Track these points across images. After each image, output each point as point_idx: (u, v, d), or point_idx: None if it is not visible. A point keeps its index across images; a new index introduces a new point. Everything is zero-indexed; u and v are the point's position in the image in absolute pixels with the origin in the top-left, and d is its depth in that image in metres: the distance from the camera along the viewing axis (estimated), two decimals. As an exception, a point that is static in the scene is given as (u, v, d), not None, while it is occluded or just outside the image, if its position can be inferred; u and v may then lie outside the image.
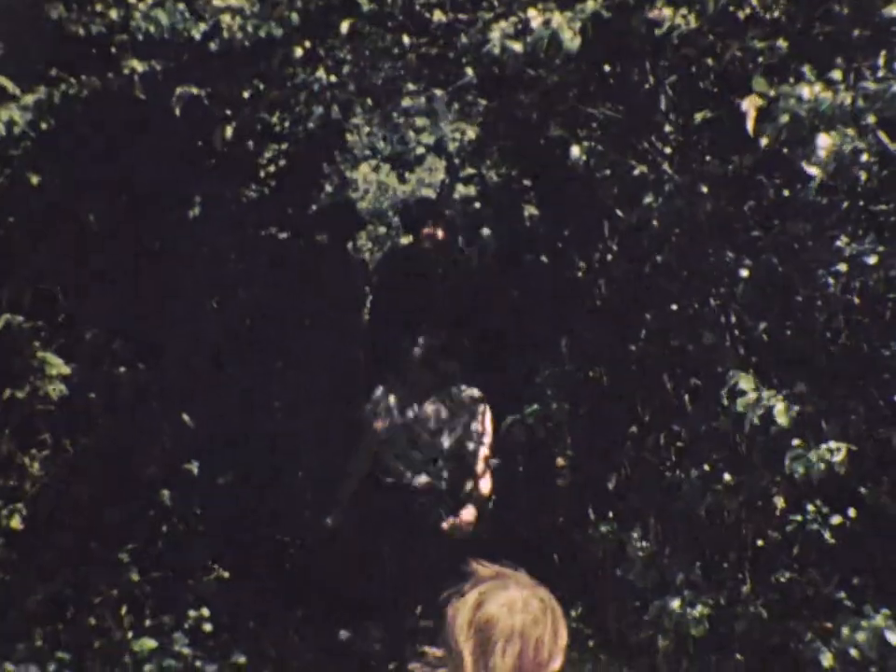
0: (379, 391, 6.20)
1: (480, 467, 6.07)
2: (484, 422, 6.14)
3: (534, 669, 2.43)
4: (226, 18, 4.52)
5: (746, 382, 4.13)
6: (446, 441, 6.11)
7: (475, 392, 6.16)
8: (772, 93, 3.67)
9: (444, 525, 5.94)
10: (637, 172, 4.60)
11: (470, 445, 6.08)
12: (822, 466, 3.93)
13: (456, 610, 2.44)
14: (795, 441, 4.02)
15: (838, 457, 3.93)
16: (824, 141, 3.59)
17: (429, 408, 6.12)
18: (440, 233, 6.86)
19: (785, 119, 3.60)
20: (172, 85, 4.82)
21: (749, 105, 3.68)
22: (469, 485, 6.06)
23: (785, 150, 3.83)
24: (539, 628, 2.44)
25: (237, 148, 5.90)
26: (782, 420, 4.01)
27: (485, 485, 6.09)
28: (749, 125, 3.69)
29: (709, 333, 4.84)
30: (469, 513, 6.00)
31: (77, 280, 5.77)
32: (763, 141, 3.73)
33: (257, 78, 5.11)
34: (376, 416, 6.10)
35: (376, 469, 6.13)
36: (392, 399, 6.15)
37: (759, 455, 4.58)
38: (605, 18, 3.88)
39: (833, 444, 3.95)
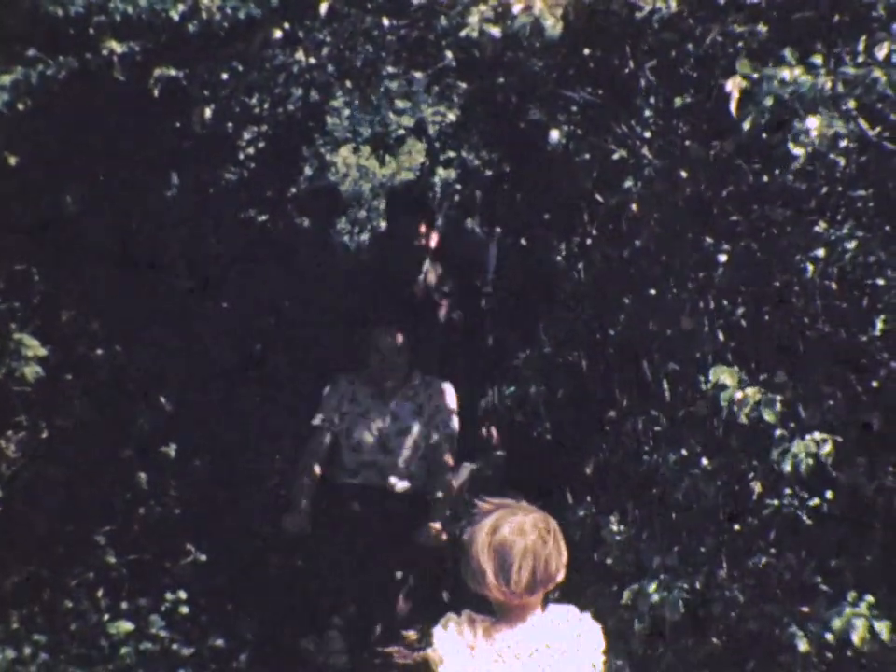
0: (342, 383, 6.08)
1: (449, 461, 5.99)
2: (450, 411, 6.03)
3: (545, 581, 2.95)
4: (204, -1, 4.50)
5: (728, 376, 4.13)
6: (416, 441, 5.99)
7: (441, 383, 6.08)
8: (756, 76, 3.67)
9: (425, 534, 5.78)
10: (616, 156, 4.60)
11: (438, 440, 6.00)
12: (811, 461, 3.95)
13: (474, 536, 2.93)
14: (778, 432, 4.02)
15: (825, 450, 3.95)
16: (814, 123, 3.59)
17: (397, 404, 6.01)
18: (432, 242, 6.74)
19: (769, 101, 3.60)
20: (150, 66, 4.79)
21: (733, 87, 3.67)
22: (440, 487, 5.93)
23: (765, 135, 3.83)
24: (547, 546, 2.94)
25: (216, 130, 5.88)
26: (769, 416, 4.03)
27: (456, 482, 6.01)
28: (733, 106, 3.69)
29: (688, 318, 4.84)
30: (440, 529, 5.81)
31: (53, 261, 5.75)
32: (746, 124, 3.73)
33: (235, 60, 5.08)
34: (332, 411, 5.99)
35: (338, 471, 6.00)
36: (354, 391, 6.04)
37: (737, 439, 4.58)
38: (586, 2, 3.87)
39: (818, 436, 3.96)
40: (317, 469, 5.92)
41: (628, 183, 4.58)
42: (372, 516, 5.87)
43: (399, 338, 5.97)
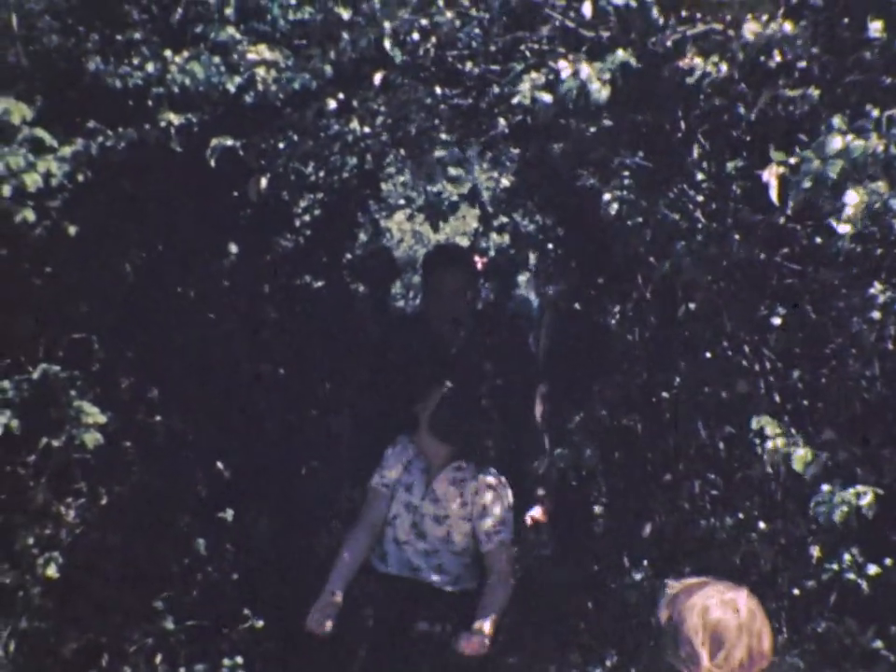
0: (404, 443, 5.29)
1: (506, 569, 5.15)
2: (504, 513, 5.19)
3: (760, 658, 2.89)
4: (260, 70, 4.57)
5: (771, 426, 4.11)
6: (450, 532, 5.20)
7: (491, 476, 5.23)
8: (793, 161, 3.65)
9: (461, 644, 4.88)
10: (669, 220, 4.61)
11: (492, 550, 5.14)
12: (846, 508, 3.89)
13: (683, 617, 2.90)
14: (825, 487, 3.98)
15: (865, 501, 3.89)
16: (852, 198, 3.56)
17: (440, 485, 5.20)
18: (474, 299, 6.27)
19: (808, 184, 3.57)
20: (207, 137, 4.87)
21: (770, 175, 3.66)
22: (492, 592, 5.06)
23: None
24: (757, 622, 2.89)
25: (272, 199, 5.94)
26: (798, 466, 3.99)
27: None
28: (773, 195, 3.67)
29: (743, 381, 4.83)
30: (483, 639, 4.90)
31: (112, 329, 5.82)
32: (790, 209, 3.72)
33: (290, 129, 5.15)
34: (394, 472, 5.24)
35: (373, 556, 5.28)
36: (410, 458, 5.24)
37: (792, 502, 4.56)
38: (634, 67, 3.90)
39: (860, 488, 3.91)
40: (367, 548, 5.19)
41: (680, 246, 4.58)
42: (398, 607, 5.22)
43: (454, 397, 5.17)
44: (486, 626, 4.90)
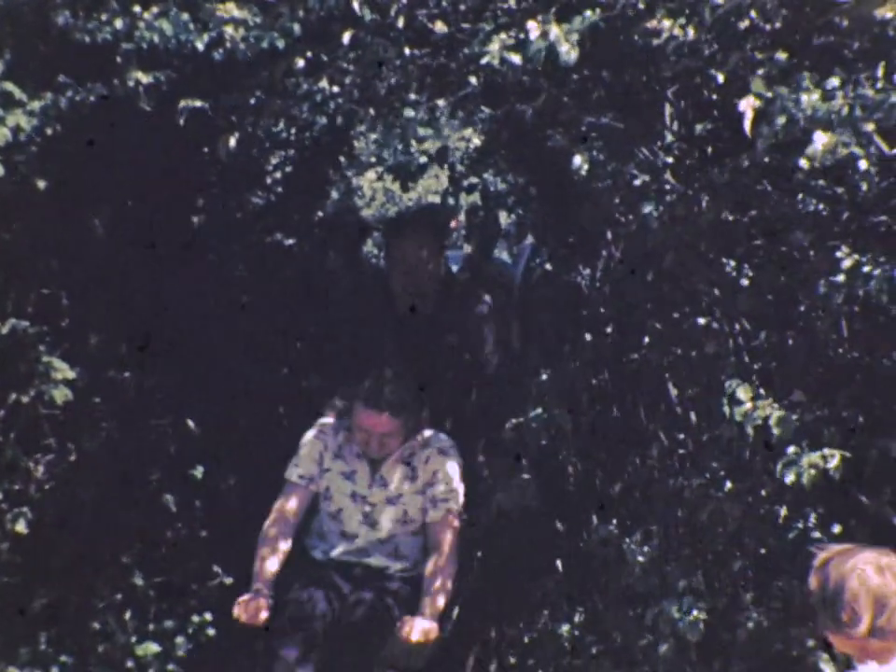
0: (328, 431, 5.05)
1: (448, 541, 4.91)
2: (451, 479, 4.98)
3: None
4: (229, 28, 4.55)
5: (743, 391, 4.14)
6: (405, 512, 4.98)
7: (441, 441, 5.04)
8: (769, 95, 3.68)
9: (405, 631, 4.65)
10: (638, 182, 4.62)
11: (436, 517, 4.94)
12: (813, 472, 3.92)
13: (842, 584, 2.96)
14: (791, 449, 4.01)
15: (832, 464, 3.92)
16: (821, 137, 3.60)
17: (388, 467, 4.97)
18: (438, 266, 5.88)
19: (782, 120, 3.61)
20: (175, 96, 4.84)
21: (747, 106, 3.69)
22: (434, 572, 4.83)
23: (780, 158, 3.85)
24: None
25: (242, 157, 5.93)
26: (777, 430, 4.02)
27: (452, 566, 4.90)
28: (747, 125, 3.70)
29: (711, 342, 4.85)
30: (429, 625, 4.69)
31: (82, 285, 5.80)
32: (760, 143, 3.74)
33: (260, 89, 5.13)
34: (313, 463, 4.98)
35: (314, 542, 5.08)
36: (340, 444, 5.00)
37: (760, 463, 4.59)
38: (602, 29, 3.89)
39: (827, 451, 3.94)
40: (286, 543, 4.89)
41: (649, 208, 4.59)
42: (357, 594, 4.89)
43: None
44: (432, 611, 4.71)
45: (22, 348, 5.35)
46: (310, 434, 5.02)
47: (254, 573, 4.83)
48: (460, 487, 5.00)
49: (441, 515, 4.94)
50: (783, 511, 4.69)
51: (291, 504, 4.94)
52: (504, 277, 8.26)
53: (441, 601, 4.75)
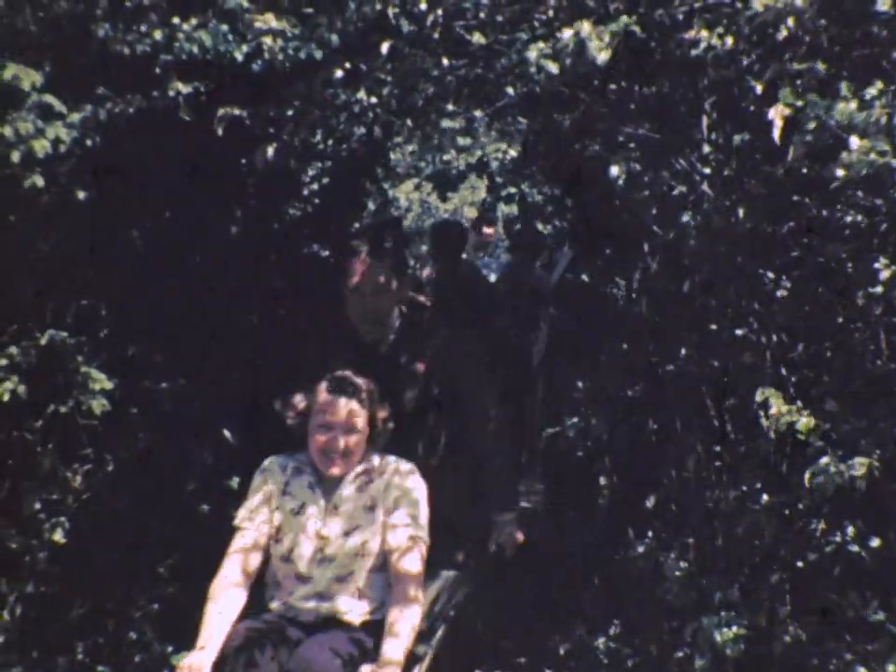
0: (274, 469, 4.41)
1: (413, 573, 4.20)
2: (414, 504, 4.31)
3: None
4: (267, 39, 4.58)
5: (775, 398, 4.11)
6: (366, 546, 4.27)
7: (401, 466, 4.38)
8: (799, 103, 3.66)
9: None
10: (675, 192, 4.61)
11: (397, 548, 4.22)
12: (837, 479, 3.89)
13: None
14: (823, 460, 3.98)
15: (858, 472, 3.88)
16: (855, 143, 3.56)
17: (342, 497, 4.31)
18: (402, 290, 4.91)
19: (812, 125, 3.59)
20: (214, 106, 4.87)
21: (776, 115, 3.67)
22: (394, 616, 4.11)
23: (817, 168, 3.83)
24: None
25: (279, 167, 5.94)
26: (804, 437, 4.00)
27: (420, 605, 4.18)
28: (776, 134, 3.68)
29: (748, 353, 4.84)
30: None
31: (120, 296, 5.83)
32: (791, 152, 3.72)
33: (298, 99, 5.15)
34: (262, 504, 4.32)
35: (267, 589, 4.37)
36: (288, 480, 4.38)
37: (796, 475, 4.57)
38: (638, 36, 3.88)
39: (857, 460, 3.90)
40: (239, 594, 4.21)
41: (686, 217, 4.59)
42: (311, 647, 4.14)
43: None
44: (395, 657, 4.04)
45: (61, 359, 5.37)
46: (256, 477, 4.41)
47: (201, 630, 4.14)
48: (425, 513, 4.32)
49: (405, 543, 4.24)
50: (820, 525, 4.67)
51: (243, 552, 4.28)
52: (541, 287, 8.29)
53: (404, 642, 4.07)
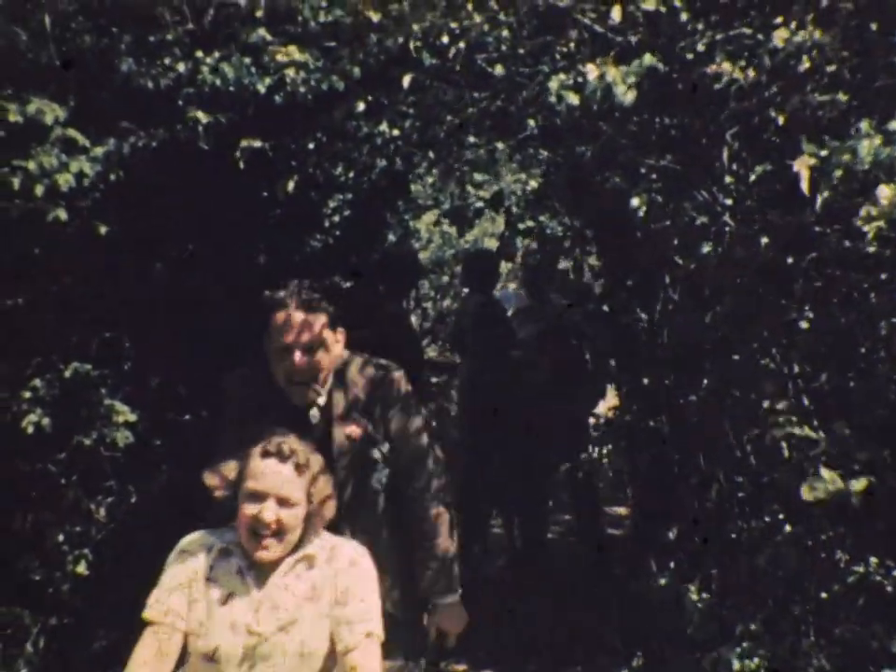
0: (197, 552, 3.63)
1: None
2: (367, 594, 3.59)
3: None
4: (290, 72, 4.61)
5: (782, 405, 4.11)
6: (305, 643, 3.50)
7: (349, 546, 3.65)
8: (823, 153, 3.66)
9: None
10: (697, 223, 4.62)
11: (349, 647, 3.48)
12: (831, 488, 3.86)
13: None
14: (824, 473, 3.96)
15: (856, 486, 3.85)
16: (884, 192, 3.57)
17: (277, 582, 3.50)
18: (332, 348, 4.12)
19: (839, 173, 3.60)
20: (236, 137, 4.90)
21: (801, 166, 3.67)
22: None
23: (841, 205, 3.83)
24: None
25: (301, 199, 5.97)
26: (805, 451, 3.99)
27: None
28: (804, 186, 3.68)
29: (771, 384, 4.82)
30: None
31: (143, 328, 5.86)
32: (820, 200, 3.73)
33: (320, 131, 5.18)
34: (179, 593, 3.54)
35: None
36: (212, 564, 3.58)
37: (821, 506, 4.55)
38: (661, 72, 3.90)
39: (863, 480, 3.88)
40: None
41: (707, 248, 4.59)
42: None
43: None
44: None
45: (84, 391, 5.40)
46: (172, 558, 3.64)
47: None
48: (378, 604, 3.60)
49: (361, 641, 3.50)
50: (843, 556, 4.65)
51: (156, 655, 3.49)
52: (559, 319, 8.27)
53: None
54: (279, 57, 4.63)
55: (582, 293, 7.87)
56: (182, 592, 3.57)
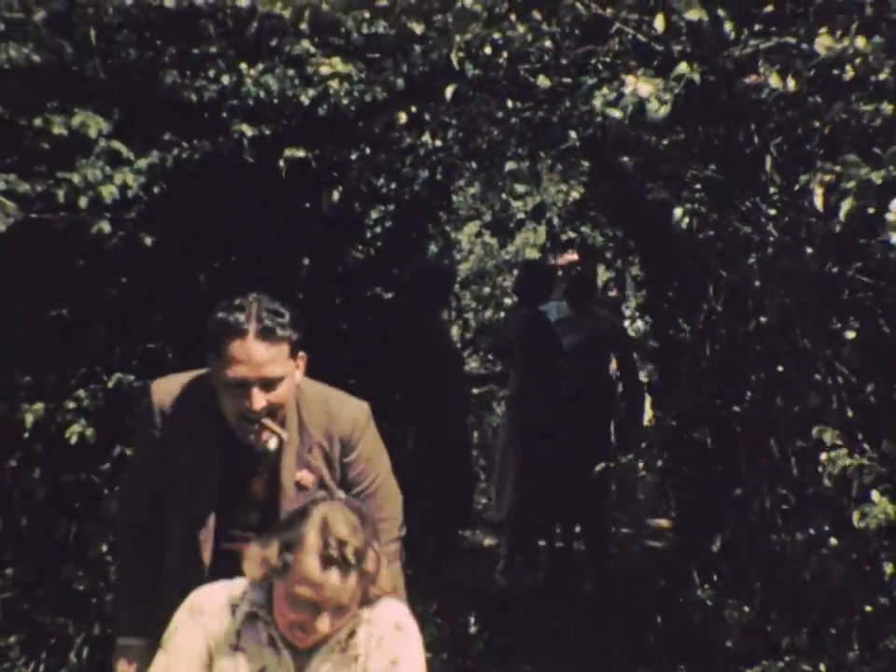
0: (209, 590, 3.04)
1: None
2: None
3: None
4: (333, 83, 4.62)
5: (829, 436, 4.07)
6: None
7: (400, 611, 3.06)
8: (837, 169, 3.62)
9: None
10: (740, 234, 4.59)
11: None
12: (882, 517, 3.85)
13: None
14: (874, 496, 3.95)
15: None
16: (896, 205, 3.53)
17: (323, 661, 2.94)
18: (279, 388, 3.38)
19: (851, 184, 3.53)
20: (279, 148, 4.91)
21: (814, 182, 3.64)
22: None
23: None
24: None
25: (343, 210, 5.98)
26: (856, 479, 3.96)
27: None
28: (818, 202, 3.65)
29: (815, 395, 4.79)
30: None
31: (186, 339, 5.87)
32: (841, 218, 3.68)
33: (363, 142, 5.18)
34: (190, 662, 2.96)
35: None
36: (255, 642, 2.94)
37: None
38: (699, 83, 3.85)
39: None
40: None
41: (751, 259, 4.56)
42: None
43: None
44: None
45: (128, 402, 5.41)
46: (182, 620, 3.00)
47: None
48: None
49: None
50: (889, 569, 4.61)
51: None
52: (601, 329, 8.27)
53: None
54: (323, 69, 4.63)
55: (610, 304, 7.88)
56: (198, 662, 2.94)
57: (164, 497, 3.52)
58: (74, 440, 5.20)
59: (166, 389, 3.55)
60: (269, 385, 3.27)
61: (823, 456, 4.07)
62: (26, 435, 5.30)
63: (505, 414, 8.53)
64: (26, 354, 5.44)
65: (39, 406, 5.25)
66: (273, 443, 3.38)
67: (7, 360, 5.40)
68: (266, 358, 3.24)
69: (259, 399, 3.25)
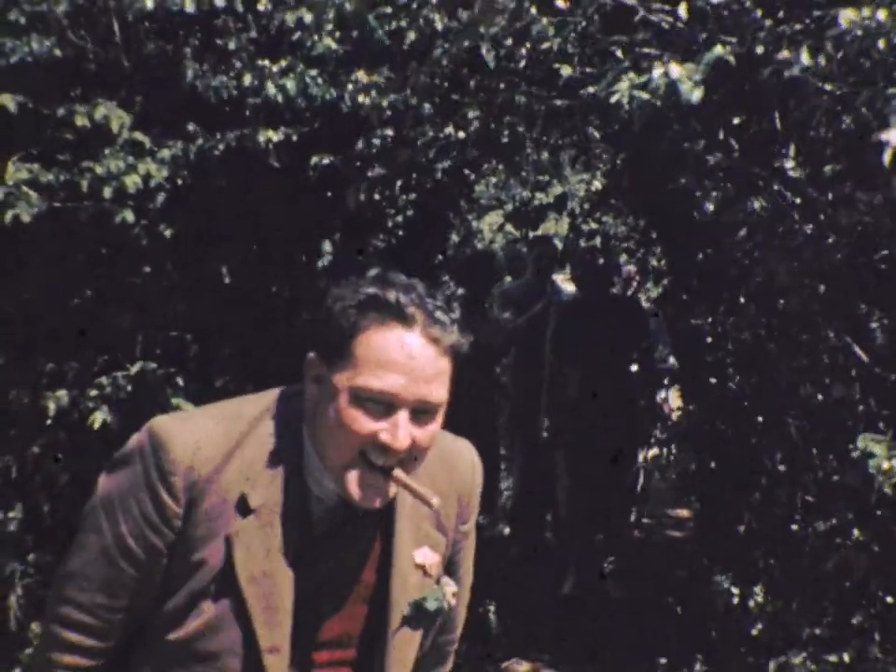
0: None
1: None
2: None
3: None
4: (360, 97, 4.61)
5: (876, 445, 4.03)
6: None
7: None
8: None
9: None
10: (764, 221, 4.58)
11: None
12: None
13: None
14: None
15: None
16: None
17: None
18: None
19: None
20: (305, 150, 4.89)
21: (889, 137, 3.61)
22: None
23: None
24: None
25: (366, 200, 5.96)
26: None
27: None
28: (887, 158, 3.61)
29: (839, 386, 4.77)
30: None
31: (208, 328, 5.88)
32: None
33: (387, 140, 5.16)
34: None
35: None
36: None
37: (887, 509, 4.51)
38: (730, 65, 3.83)
39: None
40: None
41: (776, 248, 4.54)
42: None
43: None
44: None
45: (150, 389, 5.41)
46: None
47: None
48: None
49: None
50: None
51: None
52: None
53: None
54: (349, 85, 4.64)
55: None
56: None
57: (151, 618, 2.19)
58: (96, 426, 5.22)
59: (200, 437, 2.17)
60: (423, 414, 2.12)
61: (884, 466, 3.99)
62: (49, 422, 5.31)
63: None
64: (49, 341, 5.46)
65: (62, 393, 5.27)
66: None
67: (29, 348, 5.41)
68: (433, 371, 2.11)
69: (407, 433, 2.09)
